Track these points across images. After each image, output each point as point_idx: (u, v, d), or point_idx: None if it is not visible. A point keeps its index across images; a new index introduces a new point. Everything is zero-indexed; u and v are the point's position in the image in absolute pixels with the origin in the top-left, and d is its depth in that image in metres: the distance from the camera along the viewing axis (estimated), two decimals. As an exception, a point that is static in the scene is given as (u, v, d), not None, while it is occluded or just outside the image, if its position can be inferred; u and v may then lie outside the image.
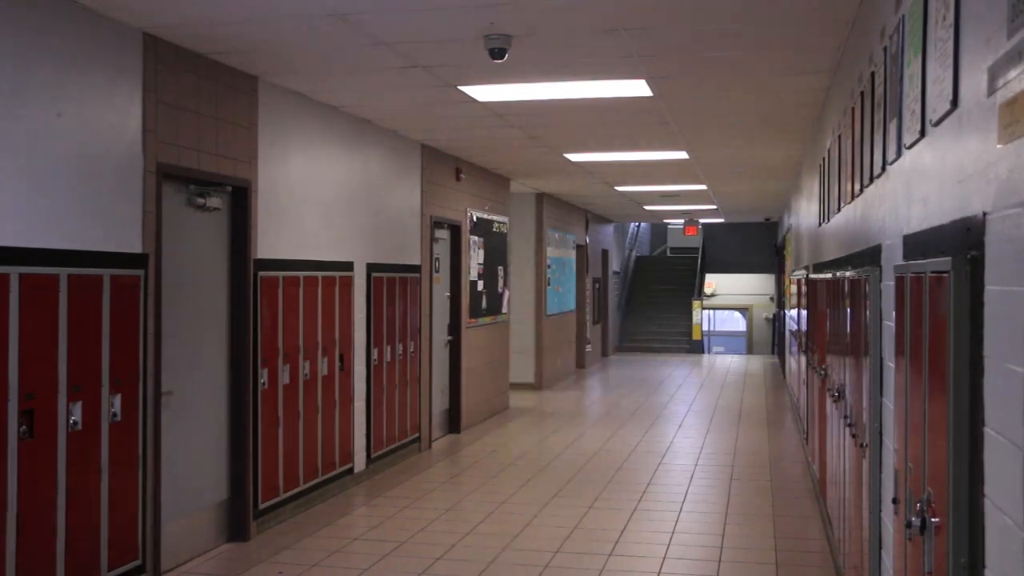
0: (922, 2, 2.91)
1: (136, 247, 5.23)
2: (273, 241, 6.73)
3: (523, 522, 6.97)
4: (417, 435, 9.57)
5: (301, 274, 7.11)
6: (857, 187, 4.75)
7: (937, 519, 2.37)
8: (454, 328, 10.83)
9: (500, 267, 12.58)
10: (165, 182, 5.54)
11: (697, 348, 23.63)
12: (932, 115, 2.74)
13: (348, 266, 7.92)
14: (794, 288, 12.50)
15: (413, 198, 9.57)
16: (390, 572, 5.78)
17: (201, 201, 5.97)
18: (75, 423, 4.66)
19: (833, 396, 5.47)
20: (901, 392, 2.96)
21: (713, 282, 29.03)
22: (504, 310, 12.81)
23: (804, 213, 10.57)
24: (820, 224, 7.63)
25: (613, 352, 22.73)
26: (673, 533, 6.67)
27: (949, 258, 2.30)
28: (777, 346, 21.91)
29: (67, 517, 4.61)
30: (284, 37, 5.55)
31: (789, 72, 6.52)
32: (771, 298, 26.95)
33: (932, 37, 2.77)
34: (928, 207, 2.82)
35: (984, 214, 2.09)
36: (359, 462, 8.18)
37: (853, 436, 4.40)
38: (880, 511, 3.72)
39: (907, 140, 3.17)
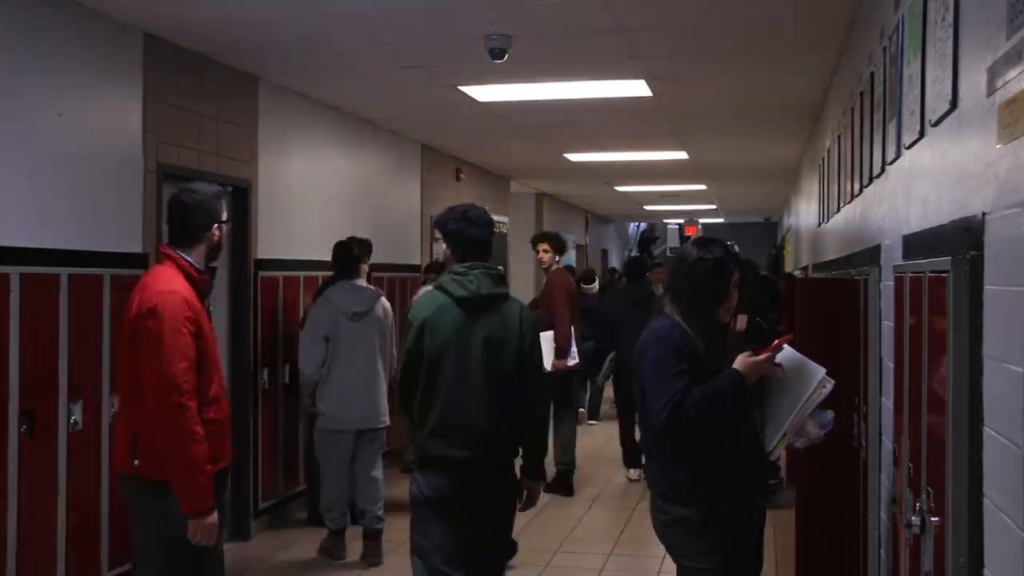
0: (921, 2, 2.91)
1: (136, 247, 5.24)
2: (273, 241, 6.73)
3: (523, 522, 6.96)
4: (417, 435, 9.55)
5: (301, 274, 7.11)
6: (856, 187, 4.76)
7: (936, 519, 2.37)
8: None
9: (500, 267, 12.58)
10: (165, 182, 5.54)
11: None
12: (931, 115, 2.74)
13: (348, 266, 7.90)
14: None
15: (413, 198, 9.57)
16: (390, 572, 5.78)
17: (201, 201, 5.96)
18: (76, 423, 4.66)
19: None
20: (900, 391, 2.96)
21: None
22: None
23: (804, 213, 10.57)
24: (820, 224, 7.63)
25: (613, 352, 22.67)
26: (673, 533, 6.66)
27: (948, 258, 2.30)
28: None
29: (67, 516, 4.61)
30: (284, 37, 5.55)
31: (789, 72, 6.53)
32: None
33: (931, 37, 2.78)
34: (927, 207, 2.83)
35: (983, 214, 2.10)
36: (359, 462, 8.17)
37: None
38: (880, 510, 3.72)
39: (906, 140, 3.18)
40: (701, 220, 22.41)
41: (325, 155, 7.65)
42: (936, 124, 2.68)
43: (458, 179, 10.84)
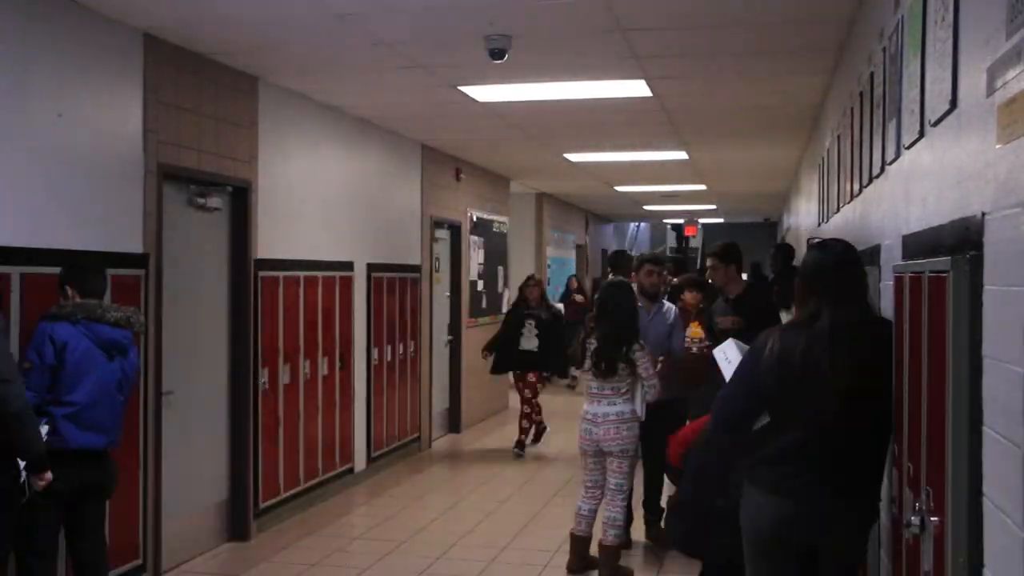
0: (921, 3, 2.91)
1: (137, 247, 5.24)
2: (273, 241, 6.73)
3: (523, 522, 6.97)
4: (417, 435, 9.57)
5: (301, 274, 7.11)
6: (856, 187, 4.76)
7: (936, 519, 2.38)
8: (454, 328, 10.83)
9: (500, 267, 12.57)
10: (166, 182, 5.54)
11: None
12: (931, 115, 2.74)
13: (348, 266, 7.92)
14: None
15: (413, 198, 9.58)
16: (390, 572, 5.79)
17: (201, 201, 5.97)
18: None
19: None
20: (900, 392, 2.97)
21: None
22: (504, 310, 12.80)
23: (803, 213, 10.57)
24: (819, 224, 7.63)
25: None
26: (673, 533, 6.66)
27: (948, 258, 2.30)
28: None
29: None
30: (284, 37, 5.55)
31: (789, 72, 6.53)
32: None
33: (931, 37, 2.78)
34: (927, 207, 2.83)
35: (983, 214, 2.10)
36: (359, 462, 8.18)
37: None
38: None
39: (906, 140, 3.18)
40: (701, 220, 22.42)
41: (325, 155, 7.65)
42: (936, 124, 2.68)
43: (458, 179, 10.85)
